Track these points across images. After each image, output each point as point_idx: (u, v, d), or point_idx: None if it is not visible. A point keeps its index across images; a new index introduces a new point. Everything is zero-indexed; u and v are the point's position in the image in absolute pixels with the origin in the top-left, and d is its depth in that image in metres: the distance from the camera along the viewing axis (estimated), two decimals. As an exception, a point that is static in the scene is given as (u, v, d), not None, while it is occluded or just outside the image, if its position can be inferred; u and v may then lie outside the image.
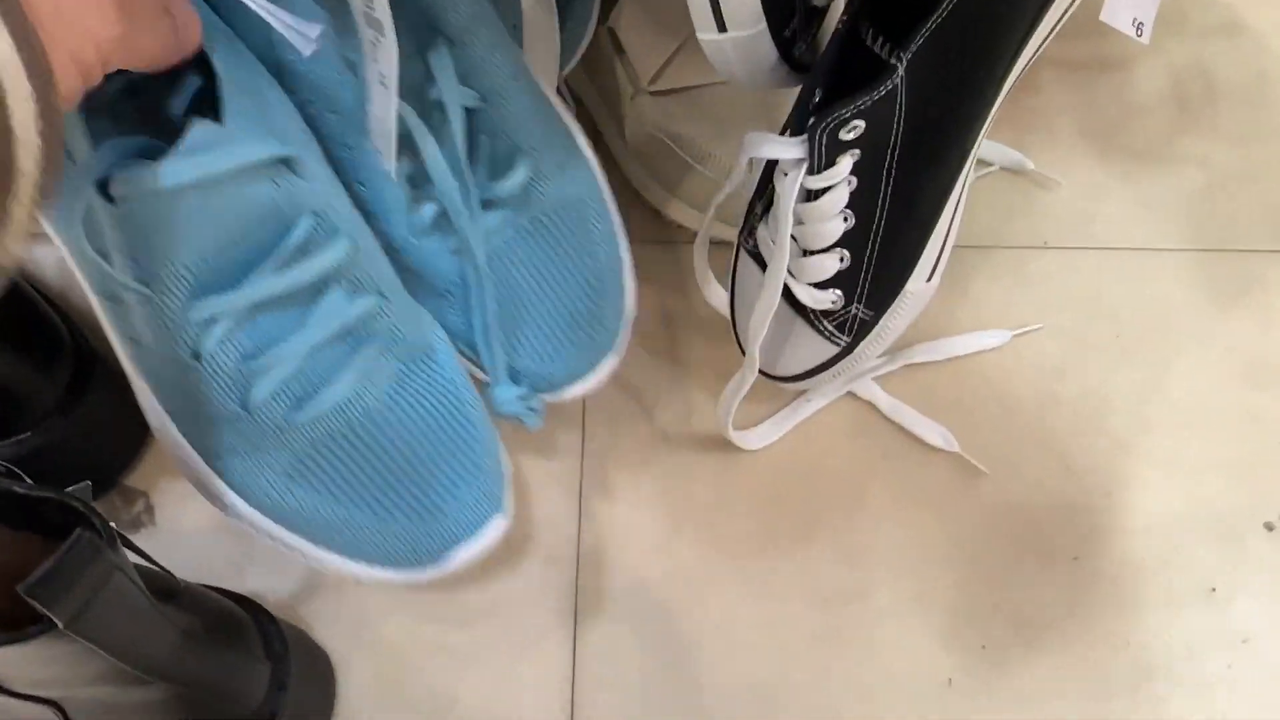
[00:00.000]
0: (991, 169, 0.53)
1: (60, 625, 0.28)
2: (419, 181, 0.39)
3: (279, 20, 0.29)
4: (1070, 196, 0.53)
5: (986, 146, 0.54)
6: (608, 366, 0.42)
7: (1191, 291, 0.51)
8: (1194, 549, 0.46)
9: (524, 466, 0.48)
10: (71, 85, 0.25)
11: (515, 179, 0.40)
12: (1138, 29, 0.49)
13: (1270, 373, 0.50)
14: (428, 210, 0.39)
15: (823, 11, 0.39)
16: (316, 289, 0.36)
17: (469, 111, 0.39)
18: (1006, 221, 0.53)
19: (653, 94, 0.49)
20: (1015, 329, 0.50)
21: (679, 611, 0.46)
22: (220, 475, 0.38)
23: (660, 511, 0.48)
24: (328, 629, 0.45)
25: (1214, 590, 0.46)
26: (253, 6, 0.29)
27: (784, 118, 0.40)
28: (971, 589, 0.46)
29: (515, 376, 0.42)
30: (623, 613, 0.46)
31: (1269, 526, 0.47)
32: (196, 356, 0.35)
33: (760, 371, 0.45)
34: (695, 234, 0.48)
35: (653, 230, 0.53)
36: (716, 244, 0.48)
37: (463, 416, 0.40)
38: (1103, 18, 0.47)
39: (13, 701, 0.32)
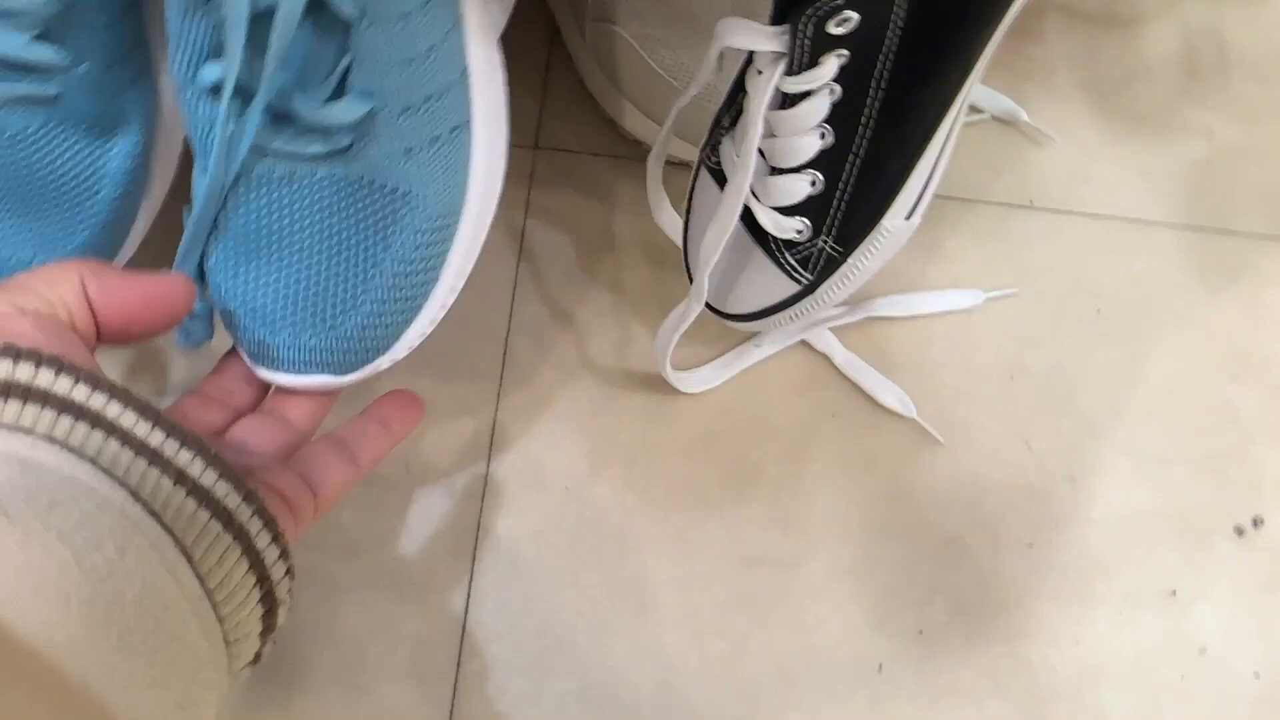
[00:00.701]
0: (982, 116, 0.49)
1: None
2: (221, 37, 0.30)
3: None
4: (1062, 155, 0.49)
5: (979, 91, 0.49)
6: (320, 383, 0.34)
7: (1179, 271, 0.47)
8: (1156, 548, 0.43)
9: (432, 386, 0.43)
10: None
11: (339, 115, 0.31)
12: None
13: (1253, 366, 0.46)
14: (209, 71, 0.30)
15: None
16: None
17: (343, 22, 0.30)
18: (992, 175, 0.48)
19: (620, -15, 0.44)
20: (989, 291, 0.46)
21: (588, 562, 0.42)
22: None
23: (580, 450, 0.43)
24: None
25: (1174, 594, 0.42)
26: None
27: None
28: (913, 568, 0.42)
29: (214, 293, 0.34)
30: (526, 558, 0.42)
31: (1239, 531, 0.43)
32: None
33: (708, 307, 0.40)
34: (646, 148, 0.42)
35: (605, 142, 0.48)
36: (676, 165, 0.43)
37: (87, 190, 0.34)
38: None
39: None
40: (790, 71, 0.32)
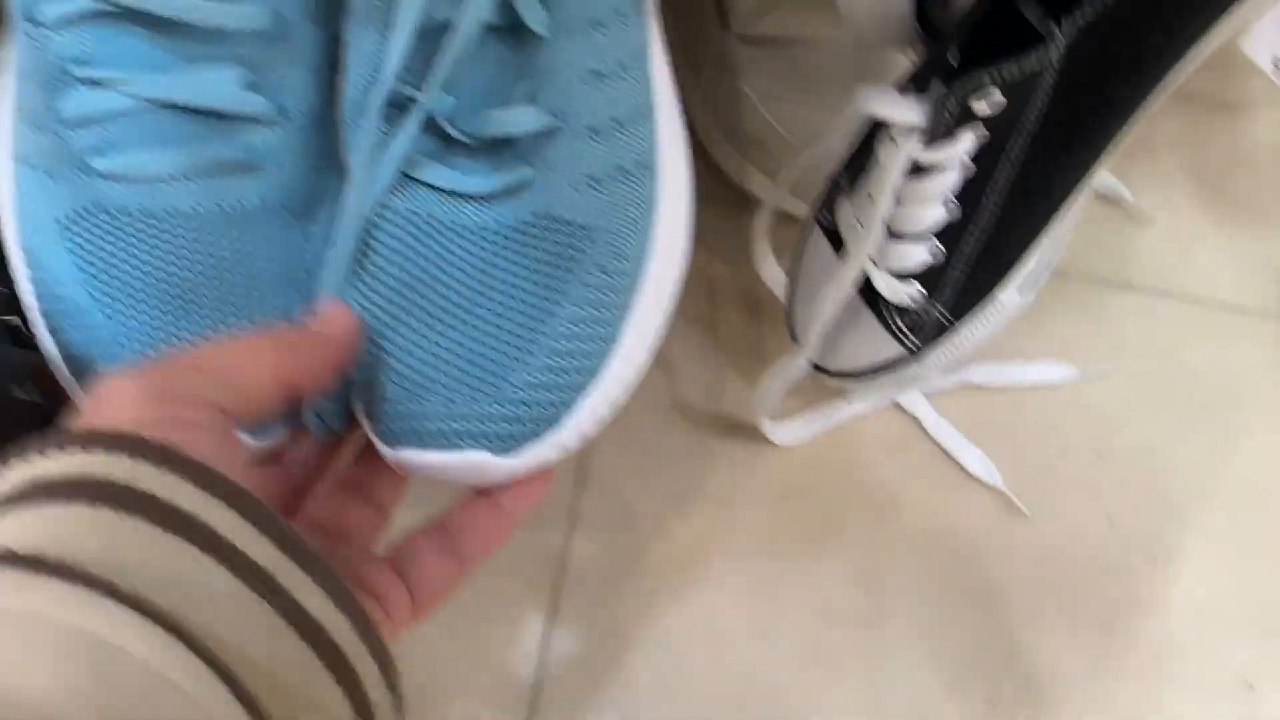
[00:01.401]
0: (1085, 192, 0.49)
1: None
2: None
3: None
4: (1163, 236, 0.49)
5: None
6: (475, 461, 0.28)
7: (1274, 361, 0.47)
8: (1235, 639, 0.42)
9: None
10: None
11: (515, 122, 0.28)
12: (1276, 66, 0.45)
13: (1343, 464, 0.46)
14: (379, 90, 0.27)
15: (968, -31, 0.34)
16: (196, 41, 0.27)
17: (528, 40, 0.28)
18: (1091, 251, 0.48)
19: (744, 38, 0.45)
20: (1082, 367, 0.46)
21: (668, 601, 0.42)
22: (15, 187, 0.30)
23: (667, 489, 0.43)
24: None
25: (1251, 688, 0.42)
26: None
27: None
28: (988, 637, 0.42)
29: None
30: (607, 592, 0.42)
31: (1319, 629, 0.43)
32: (33, 21, 0.27)
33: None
34: (758, 200, 0.43)
35: (708, 188, 0.48)
36: (779, 217, 0.44)
37: (289, 283, 0.29)
38: (1244, 47, 0.43)
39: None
40: (927, 143, 0.33)
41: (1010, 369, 0.45)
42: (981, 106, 0.31)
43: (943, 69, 0.32)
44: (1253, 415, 0.46)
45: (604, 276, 0.29)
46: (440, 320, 0.28)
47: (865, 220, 0.35)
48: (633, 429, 0.44)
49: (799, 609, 0.42)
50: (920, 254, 0.36)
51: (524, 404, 0.28)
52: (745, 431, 0.44)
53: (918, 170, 0.34)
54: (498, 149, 0.28)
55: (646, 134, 0.30)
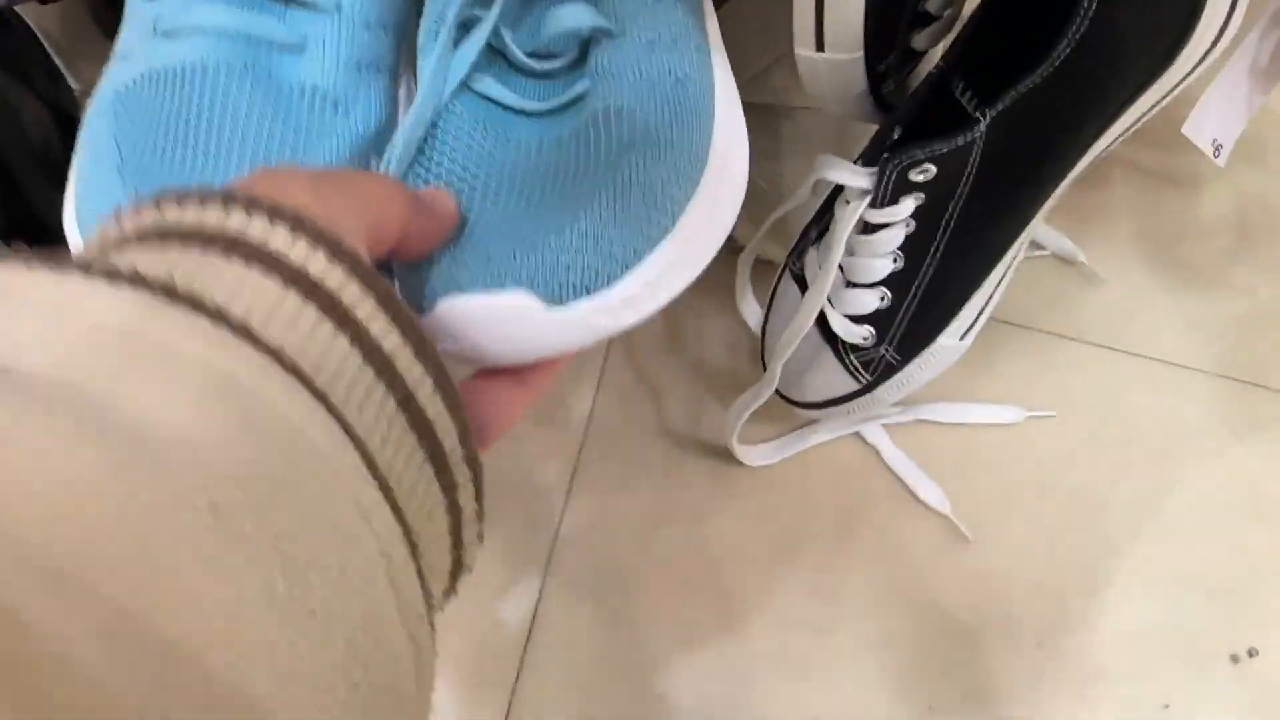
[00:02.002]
0: (1044, 253, 0.54)
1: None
2: None
3: None
4: (1113, 296, 0.54)
5: (1042, 231, 0.54)
6: (518, 302, 0.26)
7: (1209, 415, 0.52)
8: (1158, 663, 0.47)
9: (526, 428, 0.49)
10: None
11: (572, 17, 0.30)
12: (1216, 150, 0.49)
13: (1270, 509, 0.50)
14: (447, 17, 0.29)
15: (920, 55, 0.39)
16: None
17: None
18: (1046, 306, 0.53)
19: (735, 102, 0.50)
20: (1030, 410, 0.51)
21: (643, 604, 0.47)
22: (106, 80, 0.32)
23: (648, 503, 0.48)
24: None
25: (1168, 707, 0.46)
26: None
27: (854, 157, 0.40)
28: (932, 649, 0.47)
29: None
30: (588, 592, 0.47)
31: (1234, 659, 0.47)
32: None
33: (777, 392, 0.45)
34: (739, 245, 0.48)
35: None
36: (759, 261, 0.49)
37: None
38: (1185, 130, 0.48)
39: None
40: (874, 205, 0.38)
41: (962, 408, 0.50)
42: (918, 177, 0.36)
43: (888, 143, 0.37)
44: (1185, 462, 0.50)
45: (658, 151, 0.28)
46: (492, 191, 0.29)
47: (824, 268, 0.40)
48: (621, 447, 0.49)
49: (760, 616, 0.47)
50: (871, 300, 0.41)
51: (575, 253, 0.27)
52: (722, 454, 0.49)
53: (868, 228, 0.39)
54: (556, 73, 0.30)
55: (702, 63, 0.31)
